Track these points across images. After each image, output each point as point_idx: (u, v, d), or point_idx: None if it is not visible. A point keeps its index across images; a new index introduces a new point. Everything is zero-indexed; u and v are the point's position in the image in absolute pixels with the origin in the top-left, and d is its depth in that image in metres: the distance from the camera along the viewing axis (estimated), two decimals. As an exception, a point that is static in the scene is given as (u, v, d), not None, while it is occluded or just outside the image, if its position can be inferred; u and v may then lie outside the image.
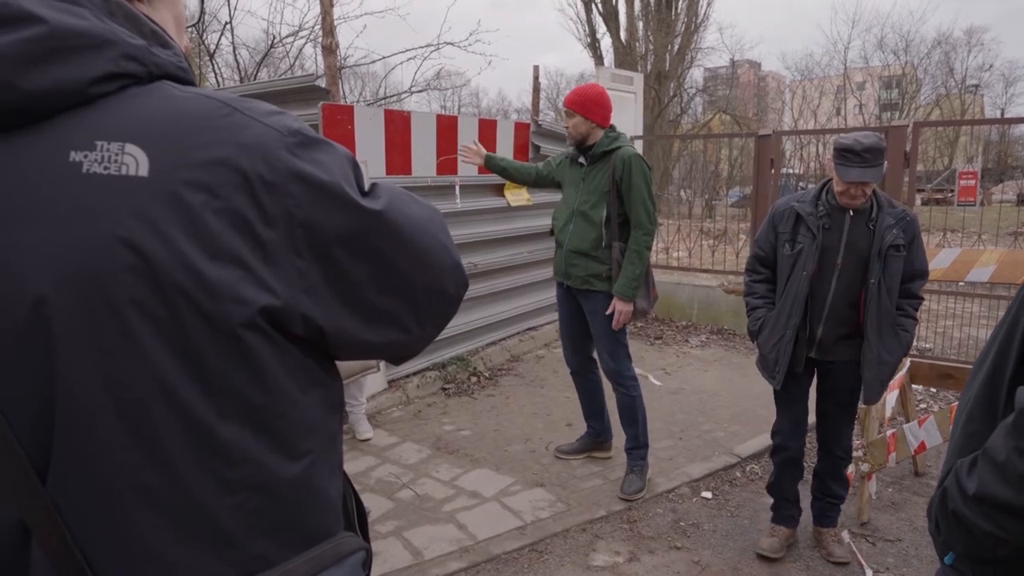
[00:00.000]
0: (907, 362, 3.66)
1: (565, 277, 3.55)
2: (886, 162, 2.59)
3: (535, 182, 3.94)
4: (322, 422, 0.78)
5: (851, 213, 2.67)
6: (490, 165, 3.93)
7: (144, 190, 0.65)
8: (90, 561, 0.65)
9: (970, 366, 3.96)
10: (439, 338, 5.24)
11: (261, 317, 0.68)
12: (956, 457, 0.93)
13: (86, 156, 0.65)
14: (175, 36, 0.81)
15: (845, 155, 2.53)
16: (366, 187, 0.78)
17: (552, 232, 3.69)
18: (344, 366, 3.02)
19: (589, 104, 3.41)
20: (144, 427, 0.65)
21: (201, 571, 0.68)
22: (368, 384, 4.36)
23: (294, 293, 0.70)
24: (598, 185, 3.41)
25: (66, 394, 0.64)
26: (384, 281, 0.77)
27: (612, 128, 3.49)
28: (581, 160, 3.52)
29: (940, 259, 3.19)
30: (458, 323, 5.48)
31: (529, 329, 6.37)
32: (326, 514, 0.79)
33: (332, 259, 0.72)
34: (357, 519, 0.90)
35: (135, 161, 0.65)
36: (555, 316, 6.61)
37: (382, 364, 4.58)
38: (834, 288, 2.70)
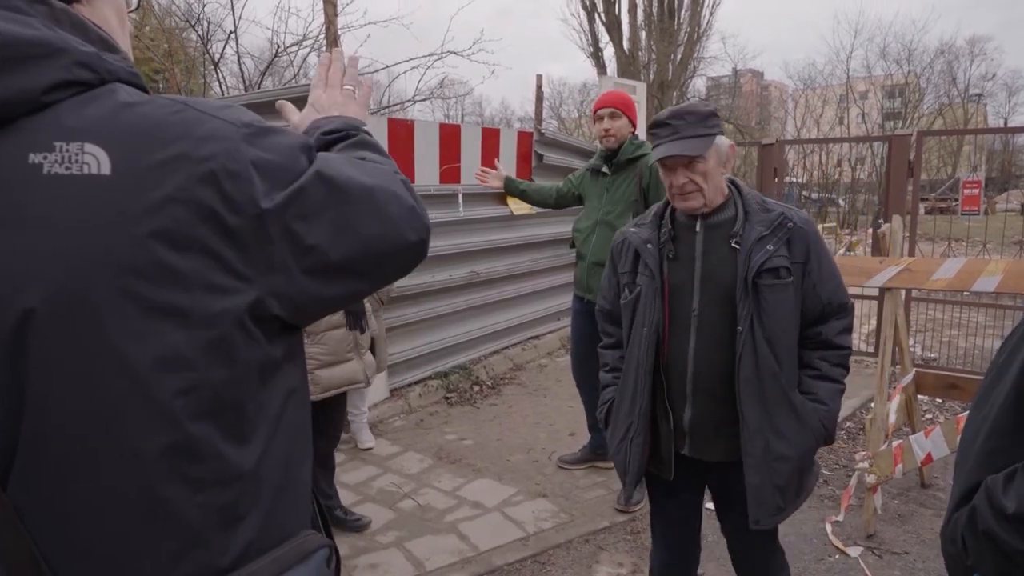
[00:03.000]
0: (912, 372, 3.63)
1: (587, 291, 3.46)
2: (722, 135, 1.80)
3: (556, 203, 3.84)
4: (288, 416, 0.78)
5: (701, 229, 1.83)
6: (510, 188, 3.89)
7: (108, 188, 0.66)
8: (53, 565, 0.65)
9: (976, 376, 3.93)
10: (441, 347, 5.26)
11: (244, 311, 0.70)
12: (977, 473, 0.89)
13: (45, 157, 0.66)
14: (118, 29, 0.83)
15: (653, 132, 1.82)
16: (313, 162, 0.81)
17: (573, 244, 3.64)
18: (328, 380, 2.99)
19: (630, 108, 3.36)
20: (116, 429, 0.65)
21: (170, 573, 0.68)
22: (370, 393, 4.35)
23: (265, 274, 0.72)
24: (624, 194, 3.35)
25: (37, 400, 0.64)
26: (341, 239, 0.78)
27: (635, 135, 3.45)
28: (604, 170, 3.45)
29: (946, 268, 3.16)
30: (460, 332, 5.47)
31: (532, 338, 6.36)
32: (293, 510, 0.80)
33: (295, 233, 0.74)
34: (320, 518, 0.91)
35: (96, 160, 0.66)
36: (558, 325, 6.62)
37: (384, 375, 4.58)
38: (694, 347, 1.79)
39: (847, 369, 1.86)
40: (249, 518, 0.73)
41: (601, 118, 3.40)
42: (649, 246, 1.87)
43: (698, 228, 1.84)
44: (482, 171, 3.97)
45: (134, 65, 0.80)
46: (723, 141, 1.80)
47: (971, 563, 0.90)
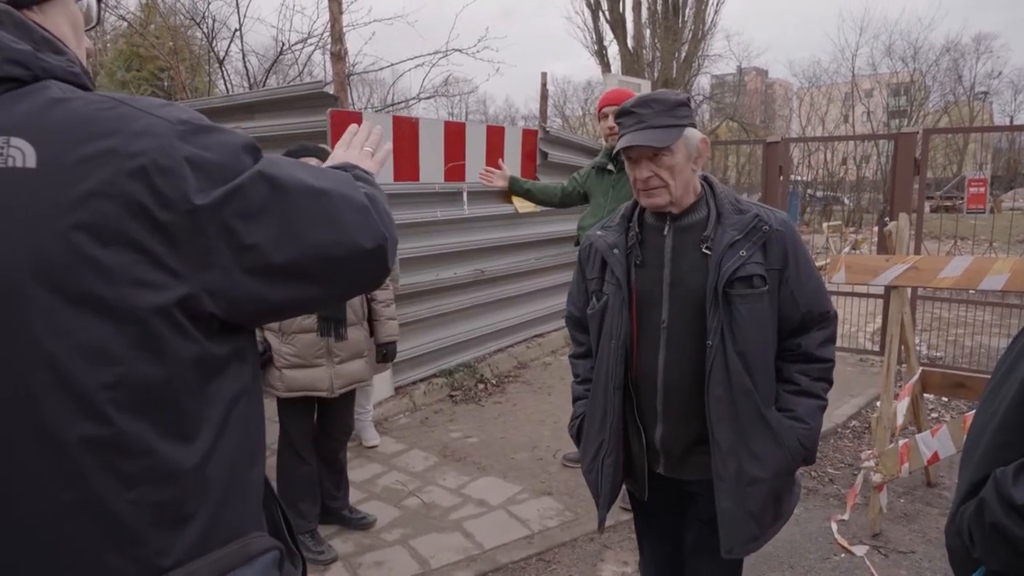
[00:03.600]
0: (919, 371, 3.62)
1: None
2: (693, 128, 1.66)
3: (561, 202, 3.82)
4: (237, 416, 0.78)
5: (670, 232, 1.69)
6: (514, 188, 3.87)
7: (33, 181, 0.66)
8: None
9: (982, 375, 3.92)
10: (446, 344, 5.27)
11: (175, 306, 0.70)
12: (985, 466, 0.89)
13: None
14: (73, 41, 0.83)
15: (619, 121, 1.70)
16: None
17: (578, 242, 3.64)
18: (291, 381, 2.90)
19: None
20: (40, 421, 0.66)
21: (104, 570, 0.68)
22: (375, 391, 4.35)
23: (198, 271, 0.72)
24: (629, 191, 3.33)
25: None
26: (284, 240, 0.77)
27: None
28: (610, 167, 3.46)
29: (953, 267, 3.15)
30: (465, 329, 5.48)
31: (536, 336, 6.36)
32: (243, 511, 0.79)
33: (232, 231, 0.74)
34: (283, 521, 0.90)
35: (21, 153, 0.67)
36: (562, 323, 6.60)
37: (389, 373, 4.58)
38: (663, 362, 1.67)
39: (830, 383, 1.72)
40: (195, 518, 0.73)
41: (606, 116, 3.39)
42: (615, 251, 1.72)
43: (667, 231, 1.69)
44: (486, 171, 3.96)
45: (85, 70, 0.80)
46: (694, 134, 1.66)
47: (977, 555, 0.90)
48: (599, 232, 1.81)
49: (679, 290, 1.66)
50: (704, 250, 1.63)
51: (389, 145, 1.18)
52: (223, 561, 0.74)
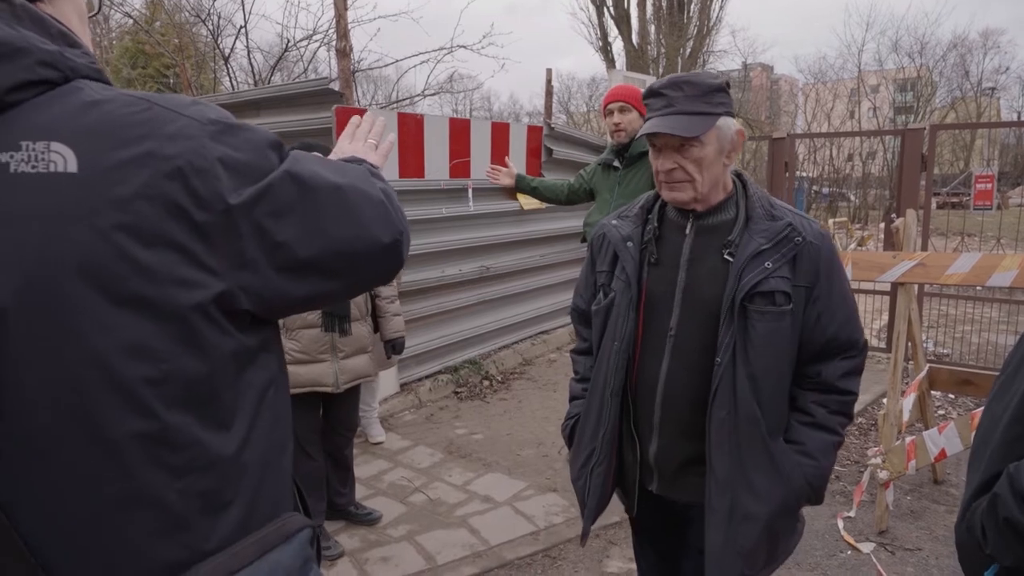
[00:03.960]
0: (925, 368, 3.61)
1: None
2: (729, 116, 1.48)
3: (568, 199, 3.79)
4: (268, 404, 0.80)
5: (691, 231, 1.53)
6: (521, 186, 3.86)
7: (74, 186, 0.67)
8: (40, 552, 0.67)
9: (990, 372, 3.90)
10: (451, 341, 5.27)
11: (211, 303, 0.72)
12: (998, 462, 0.88)
13: (12, 156, 0.67)
14: (79, 30, 0.84)
15: (646, 102, 1.51)
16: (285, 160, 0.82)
17: (584, 239, 3.64)
18: (294, 377, 2.94)
19: (640, 101, 3.36)
20: (91, 418, 0.67)
21: (154, 557, 0.70)
22: (380, 388, 4.35)
23: (234, 270, 0.74)
24: (637, 186, 3.35)
25: (14, 392, 0.65)
26: (310, 237, 0.79)
27: None
28: (615, 164, 3.46)
29: (960, 263, 3.13)
30: (470, 326, 5.48)
31: (541, 332, 6.36)
32: (274, 493, 0.82)
33: (264, 229, 0.75)
34: (300, 502, 0.93)
35: (62, 158, 0.67)
36: (567, 319, 6.58)
37: (394, 369, 4.59)
38: (666, 371, 1.52)
39: (849, 418, 1.54)
40: (235, 503, 0.76)
41: (611, 112, 3.40)
42: (629, 245, 1.57)
43: (688, 229, 1.53)
44: (493, 168, 3.96)
45: (96, 60, 0.81)
46: (729, 124, 1.48)
47: (989, 552, 0.89)
48: (614, 222, 1.65)
49: (693, 296, 1.51)
50: (726, 256, 1.48)
51: (393, 136, 1.18)
52: (264, 540, 0.77)
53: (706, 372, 1.47)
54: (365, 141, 1.12)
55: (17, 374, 0.65)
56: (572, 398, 1.81)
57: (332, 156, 1.09)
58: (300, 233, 0.78)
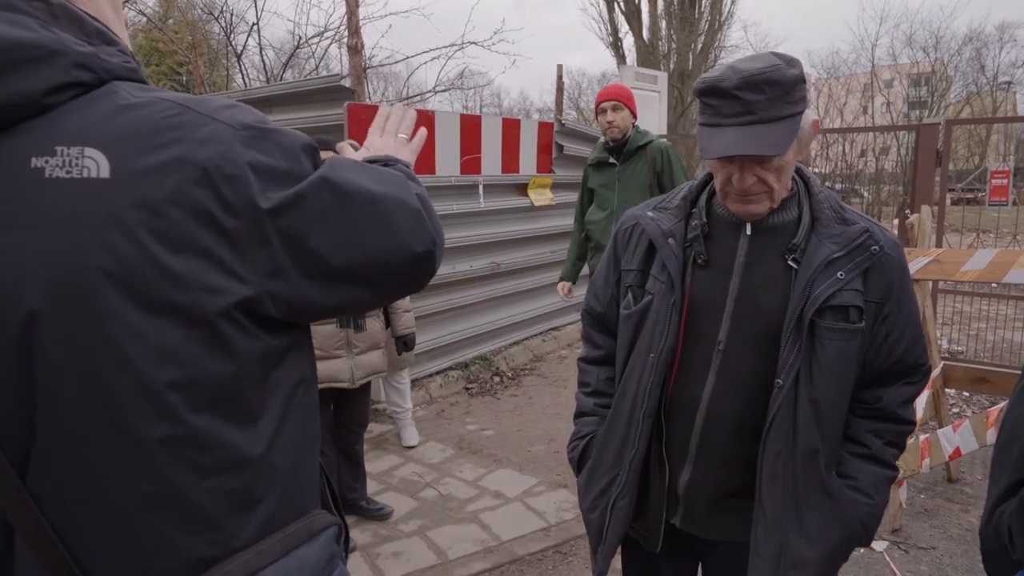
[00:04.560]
0: (940, 365, 3.57)
1: None
2: (809, 111, 1.24)
3: (588, 221, 3.72)
4: (293, 402, 0.80)
5: (749, 233, 1.32)
6: (573, 275, 3.85)
7: (107, 191, 0.67)
8: (73, 550, 0.68)
9: (1005, 369, 3.86)
10: (462, 337, 5.28)
11: (236, 308, 0.71)
12: None
13: (47, 161, 0.67)
14: (114, 22, 0.83)
15: (708, 104, 1.22)
16: (319, 165, 0.81)
17: (588, 237, 3.67)
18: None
19: (630, 100, 3.50)
20: (120, 421, 0.68)
21: (184, 553, 0.71)
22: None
23: (263, 277, 0.73)
24: (638, 180, 3.44)
25: (47, 394, 0.66)
26: (343, 245, 0.78)
27: (636, 125, 3.55)
28: (611, 160, 3.54)
29: (976, 260, 3.10)
30: (481, 322, 5.49)
31: (552, 329, 6.36)
32: (301, 492, 0.82)
33: (295, 236, 0.75)
34: (331, 497, 0.93)
35: (95, 164, 0.68)
36: (578, 316, 6.59)
37: (406, 372, 4.60)
38: (710, 393, 1.33)
39: (902, 450, 1.39)
40: (264, 501, 0.76)
41: (604, 111, 3.51)
42: (671, 242, 1.35)
43: (747, 229, 1.31)
44: (565, 290, 3.92)
45: (132, 55, 0.81)
46: (807, 117, 1.24)
47: (1017, 557, 0.87)
48: (650, 213, 1.41)
49: (748, 307, 1.30)
50: (790, 262, 1.28)
51: (424, 130, 1.13)
52: (290, 537, 0.77)
53: (757, 395, 1.29)
54: (396, 135, 1.09)
55: (47, 374, 0.66)
56: (580, 414, 1.57)
57: (364, 149, 1.07)
58: (332, 241, 0.77)
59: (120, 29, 0.85)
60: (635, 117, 3.52)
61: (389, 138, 1.08)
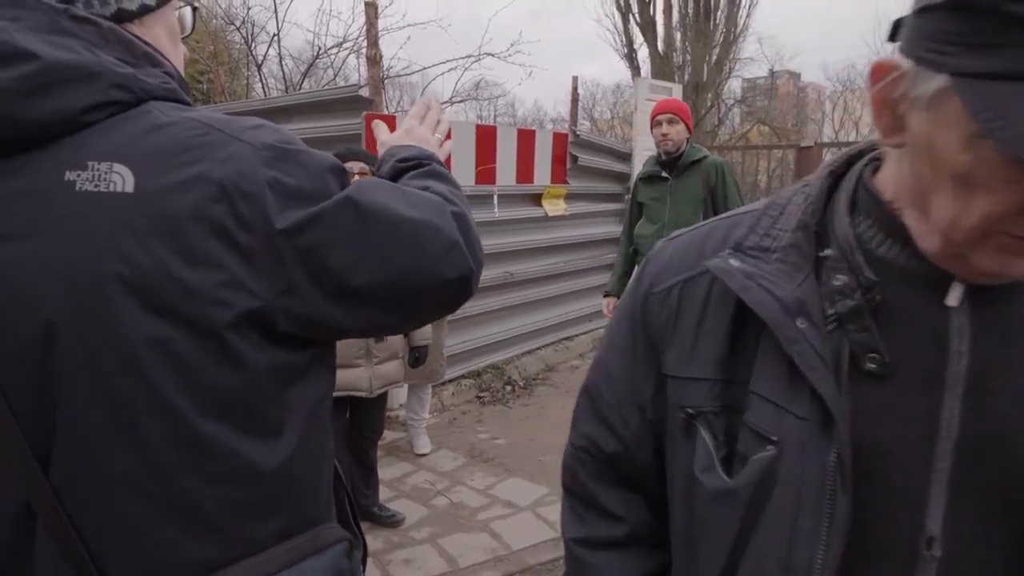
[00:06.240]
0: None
1: None
2: None
3: (637, 234, 3.72)
4: (306, 414, 0.80)
5: (965, 303, 0.61)
6: (622, 288, 3.86)
7: (129, 205, 0.71)
8: (88, 542, 0.71)
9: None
10: (474, 346, 5.30)
11: (243, 319, 0.73)
12: None
13: (79, 175, 0.71)
14: (170, 49, 0.86)
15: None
16: (346, 186, 0.82)
17: (636, 252, 3.68)
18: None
19: (687, 115, 3.52)
20: (130, 424, 0.71)
21: (186, 555, 0.73)
22: (403, 393, 4.39)
23: (276, 294, 0.74)
24: (691, 195, 3.47)
25: (65, 393, 0.70)
26: (364, 266, 0.77)
27: (690, 140, 3.61)
28: (663, 174, 3.56)
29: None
30: (494, 332, 5.50)
31: (564, 339, 6.36)
32: (311, 504, 0.83)
33: (312, 255, 0.75)
34: (350, 512, 0.93)
35: (122, 179, 0.71)
36: (591, 326, 6.60)
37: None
38: None
39: None
40: (277, 514, 0.78)
41: (660, 123, 3.52)
42: (804, 326, 0.63)
43: (956, 293, 0.62)
44: (610, 307, 3.89)
45: (181, 79, 0.84)
46: None
47: None
48: (735, 263, 0.68)
49: (987, 459, 0.62)
50: None
51: (450, 143, 1.13)
52: (297, 549, 0.78)
53: None
54: (433, 134, 1.08)
55: (65, 377, 0.70)
56: None
57: (403, 130, 1.07)
58: (352, 260, 0.76)
59: (174, 54, 0.88)
60: (690, 132, 3.54)
61: (427, 130, 1.07)
